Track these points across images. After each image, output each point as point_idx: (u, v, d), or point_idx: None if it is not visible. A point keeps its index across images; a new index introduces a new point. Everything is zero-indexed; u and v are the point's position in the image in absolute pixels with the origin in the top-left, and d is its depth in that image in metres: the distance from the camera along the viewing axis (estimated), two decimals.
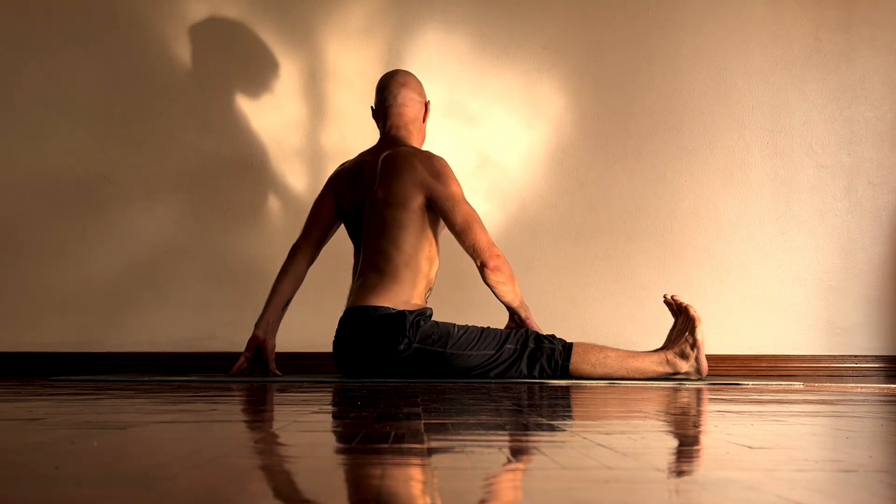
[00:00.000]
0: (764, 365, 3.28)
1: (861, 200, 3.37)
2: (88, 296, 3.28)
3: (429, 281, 2.69)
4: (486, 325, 2.63)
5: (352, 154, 2.92)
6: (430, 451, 0.92)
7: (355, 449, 0.95)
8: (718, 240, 3.35)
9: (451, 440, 1.05)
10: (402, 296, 2.59)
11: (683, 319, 2.64)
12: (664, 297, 2.70)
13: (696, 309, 2.63)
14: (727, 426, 1.25)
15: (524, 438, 1.10)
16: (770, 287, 3.34)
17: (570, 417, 1.46)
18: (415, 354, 2.53)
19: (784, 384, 2.48)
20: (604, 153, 3.37)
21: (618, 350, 2.62)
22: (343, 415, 1.43)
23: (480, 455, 0.91)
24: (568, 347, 2.58)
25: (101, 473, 0.78)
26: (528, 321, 2.69)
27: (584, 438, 1.04)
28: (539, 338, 2.60)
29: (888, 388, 2.33)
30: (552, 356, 2.56)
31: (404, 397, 1.77)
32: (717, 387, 2.34)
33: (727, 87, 3.39)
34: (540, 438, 1.09)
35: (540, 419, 1.34)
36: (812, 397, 1.89)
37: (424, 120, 2.86)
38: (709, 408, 1.60)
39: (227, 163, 3.31)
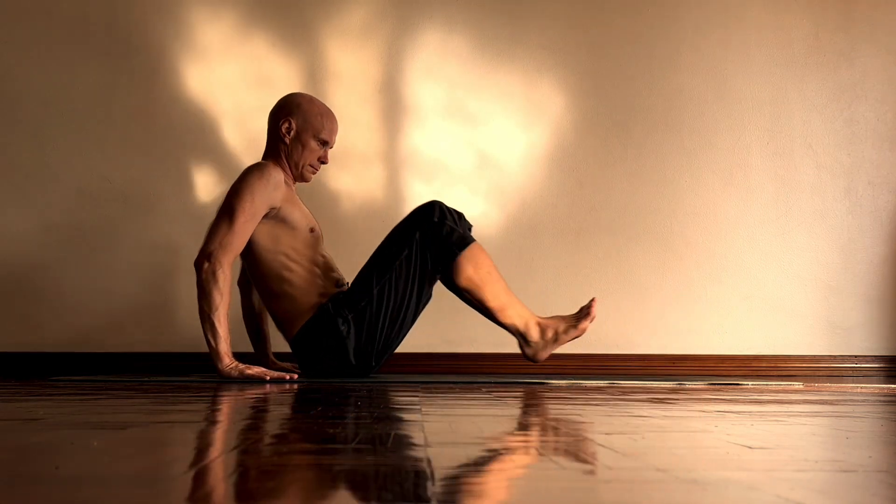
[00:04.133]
0: (764, 365, 3.28)
1: (861, 200, 3.37)
2: (88, 296, 3.28)
3: (321, 280, 2.57)
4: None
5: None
6: (430, 451, 0.92)
7: (354, 449, 0.95)
8: (718, 240, 3.35)
9: (451, 440, 1.05)
10: (300, 314, 2.54)
11: (583, 311, 2.57)
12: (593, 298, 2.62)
13: (590, 325, 2.55)
14: (727, 426, 1.24)
15: (524, 438, 1.10)
16: (770, 287, 3.34)
17: (570, 417, 1.46)
18: (360, 324, 2.51)
19: (784, 384, 2.48)
20: (604, 153, 3.37)
21: (506, 285, 2.54)
22: (343, 415, 1.43)
23: (480, 455, 0.91)
24: (468, 240, 2.50)
25: (101, 473, 0.78)
26: (217, 362, 2.46)
27: (585, 438, 1.04)
28: (443, 218, 2.50)
29: (888, 388, 2.33)
30: (450, 236, 2.48)
31: (404, 397, 1.77)
32: (717, 387, 2.34)
33: (727, 87, 3.39)
34: (540, 438, 1.09)
35: (540, 419, 1.34)
36: (812, 397, 1.89)
37: (283, 137, 2.64)
38: (709, 408, 1.60)
39: (227, 163, 3.31)
